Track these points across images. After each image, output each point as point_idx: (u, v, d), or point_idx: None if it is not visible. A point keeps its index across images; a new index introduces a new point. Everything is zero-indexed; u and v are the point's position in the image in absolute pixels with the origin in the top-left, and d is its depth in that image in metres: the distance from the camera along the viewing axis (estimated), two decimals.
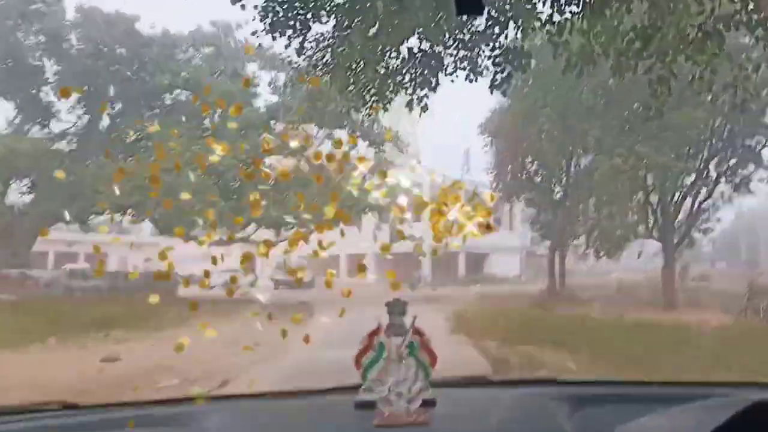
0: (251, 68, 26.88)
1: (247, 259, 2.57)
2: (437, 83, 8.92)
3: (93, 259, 50.81)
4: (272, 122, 24.48)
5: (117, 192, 2.69)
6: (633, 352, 10.12)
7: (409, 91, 8.81)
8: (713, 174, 24.65)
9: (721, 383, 2.48)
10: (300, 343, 3.01)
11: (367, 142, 25.03)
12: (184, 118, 23.32)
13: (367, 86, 8.64)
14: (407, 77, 8.78)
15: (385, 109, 9.44)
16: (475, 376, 2.62)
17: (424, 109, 9.29)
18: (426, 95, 9.08)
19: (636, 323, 15.86)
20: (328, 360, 4.72)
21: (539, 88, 23.59)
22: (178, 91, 24.90)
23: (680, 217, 25.18)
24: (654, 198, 24.53)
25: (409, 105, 9.06)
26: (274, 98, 26.45)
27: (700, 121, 20.88)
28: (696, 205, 25.27)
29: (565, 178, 27.38)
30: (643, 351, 10.22)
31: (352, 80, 8.55)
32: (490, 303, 24.14)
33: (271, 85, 26.46)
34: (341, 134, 24.30)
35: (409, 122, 32.62)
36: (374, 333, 2.01)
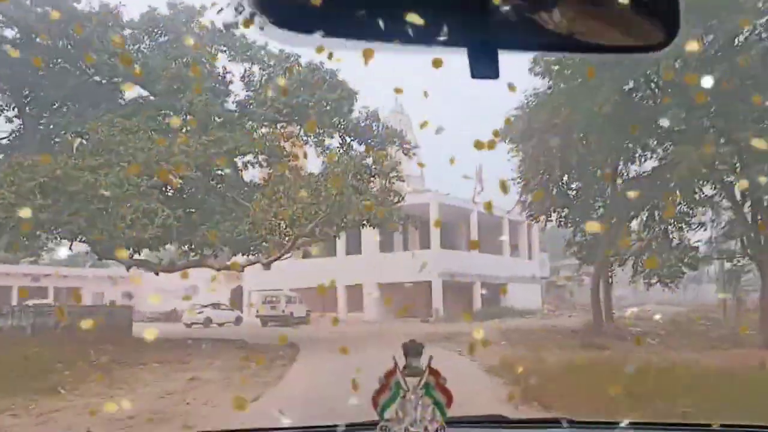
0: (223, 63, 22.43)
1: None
2: None
3: (61, 294, 46.16)
4: (247, 121, 19.88)
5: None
6: None
7: None
8: None
9: None
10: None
11: (363, 146, 20.36)
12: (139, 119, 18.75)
13: None
14: None
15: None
16: (491, 414, 2.47)
17: None
18: None
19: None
20: None
21: (576, 77, 19.15)
22: (131, 88, 20.26)
23: None
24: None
25: None
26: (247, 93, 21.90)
27: None
28: None
29: (610, 189, 22.71)
30: None
31: None
32: (526, 343, 19.22)
33: (245, 79, 21.98)
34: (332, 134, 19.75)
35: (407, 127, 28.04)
36: (391, 373, 1.95)
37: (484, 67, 0.94)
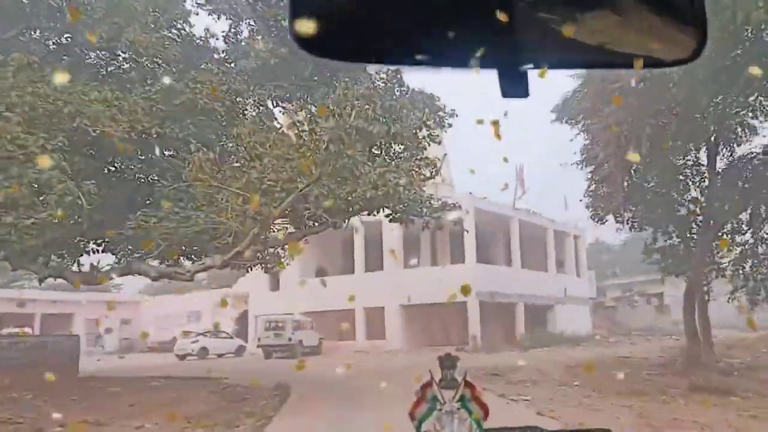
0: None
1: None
2: None
3: (48, 322, 41.50)
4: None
5: None
6: None
7: None
8: None
9: None
10: None
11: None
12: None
13: None
14: None
15: None
16: (528, 426, 2.22)
17: None
18: None
19: None
20: None
21: None
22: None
23: None
24: None
25: None
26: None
27: None
28: None
29: (708, 180, 17.37)
30: None
31: None
32: (609, 384, 13.72)
33: (227, 40, 16.94)
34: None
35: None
36: (427, 386, 2.07)
37: (515, 86, 0.95)
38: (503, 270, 30.34)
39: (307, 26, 0.88)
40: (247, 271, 16.80)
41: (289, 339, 27.83)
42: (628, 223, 19.68)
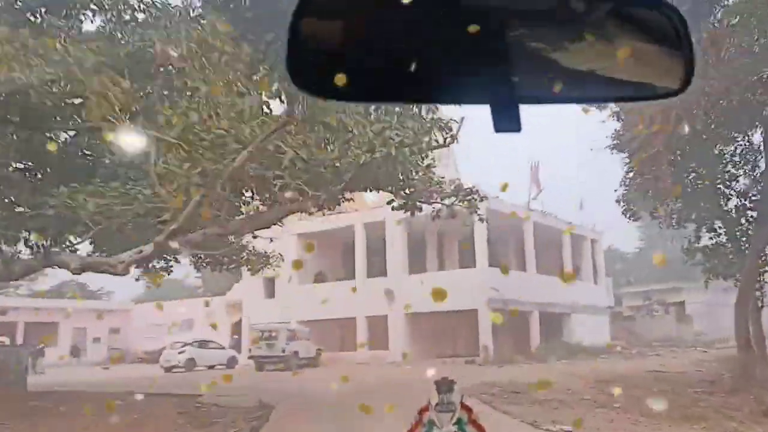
0: None
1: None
2: None
3: (33, 331, 39.23)
4: None
5: None
6: None
7: None
8: None
9: None
10: None
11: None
12: None
13: None
14: None
15: None
16: None
17: None
18: None
19: None
20: None
21: None
22: None
23: None
24: None
25: None
26: None
27: None
28: None
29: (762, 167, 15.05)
30: None
31: None
32: (655, 406, 11.28)
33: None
34: None
35: None
36: (424, 410, 2.28)
37: (507, 121, 0.95)
38: (517, 276, 27.90)
39: (302, 65, 0.88)
40: (237, 275, 14.36)
41: (283, 350, 25.37)
42: (667, 220, 17.28)
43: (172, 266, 15.60)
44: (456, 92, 0.94)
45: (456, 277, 26.08)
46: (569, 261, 31.37)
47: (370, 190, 11.13)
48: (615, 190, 17.29)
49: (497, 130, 0.94)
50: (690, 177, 16.21)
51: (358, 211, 31.13)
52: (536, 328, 27.68)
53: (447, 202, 12.47)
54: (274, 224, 12.25)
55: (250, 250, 16.85)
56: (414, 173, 10.30)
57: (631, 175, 16.03)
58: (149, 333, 39.09)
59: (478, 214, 14.19)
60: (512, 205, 27.86)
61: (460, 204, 12.90)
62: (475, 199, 13.62)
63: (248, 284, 31.99)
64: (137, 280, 17.12)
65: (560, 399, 13.79)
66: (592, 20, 0.92)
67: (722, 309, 43.56)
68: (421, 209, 12.05)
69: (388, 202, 11.69)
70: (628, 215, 17.42)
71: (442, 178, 12.33)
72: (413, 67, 0.90)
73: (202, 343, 29.04)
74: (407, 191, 11.03)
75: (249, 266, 13.14)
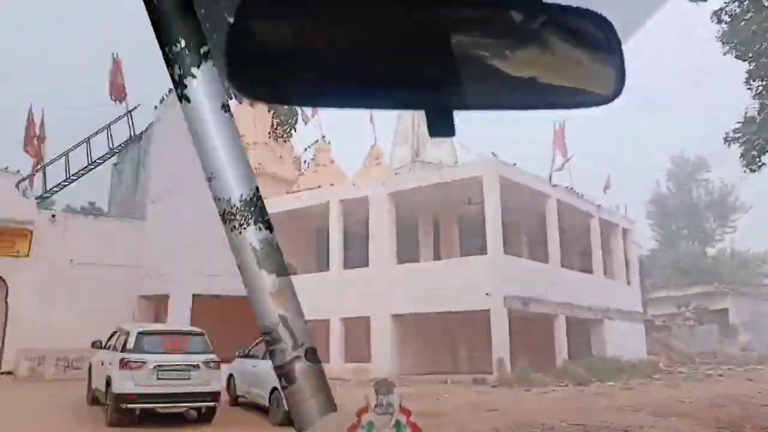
0: None
1: None
2: None
3: None
4: None
5: None
6: None
7: None
8: None
9: None
10: None
11: None
12: None
13: None
14: None
15: None
16: None
17: None
18: None
19: None
20: None
21: None
22: None
23: None
24: None
25: None
26: None
27: None
28: None
29: None
30: None
31: None
32: None
33: None
34: None
35: None
36: (363, 411, 2.16)
37: (441, 127, 0.96)
38: (539, 267, 21.48)
39: (240, 68, 0.89)
40: None
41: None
42: None
43: None
44: (390, 98, 0.94)
45: (460, 268, 19.74)
46: (598, 253, 25.04)
47: None
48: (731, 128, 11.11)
49: (431, 135, 0.95)
50: None
51: (334, 185, 24.76)
52: (562, 336, 21.21)
53: None
54: None
55: None
56: None
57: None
58: None
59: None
60: (533, 177, 21.65)
61: None
62: None
63: None
64: None
65: None
66: (527, 29, 0.92)
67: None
68: None
69: None
70: (745, 161, 11.13)
71: None
72: (349, 72, 0.91)
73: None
74: None
75: None
